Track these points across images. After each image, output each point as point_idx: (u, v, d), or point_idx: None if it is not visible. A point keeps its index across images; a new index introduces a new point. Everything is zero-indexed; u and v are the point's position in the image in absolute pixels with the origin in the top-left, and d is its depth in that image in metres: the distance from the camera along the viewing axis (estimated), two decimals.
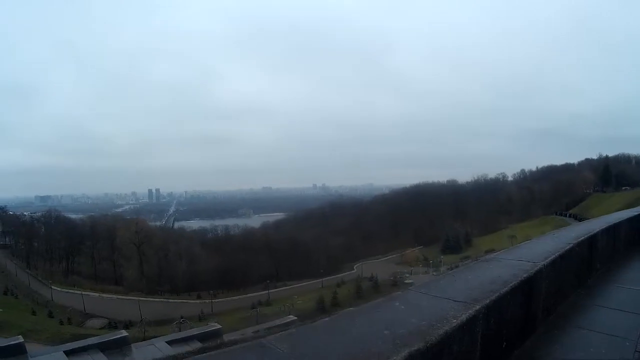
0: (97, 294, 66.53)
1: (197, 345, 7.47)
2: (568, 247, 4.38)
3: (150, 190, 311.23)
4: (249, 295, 67.48)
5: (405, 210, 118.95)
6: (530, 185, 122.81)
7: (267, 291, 68.01)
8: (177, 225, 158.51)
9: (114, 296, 67.66)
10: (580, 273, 4.82)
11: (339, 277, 76.45)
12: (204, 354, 2.58)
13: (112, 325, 51.39)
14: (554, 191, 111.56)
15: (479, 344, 2.53)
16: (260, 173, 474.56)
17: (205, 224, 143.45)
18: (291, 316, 11.59)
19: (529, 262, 3.61)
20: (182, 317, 47.10)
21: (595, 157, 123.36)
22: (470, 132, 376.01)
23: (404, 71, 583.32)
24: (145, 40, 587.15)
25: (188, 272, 77.47)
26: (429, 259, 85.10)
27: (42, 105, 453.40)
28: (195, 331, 8.35)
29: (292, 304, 53.49)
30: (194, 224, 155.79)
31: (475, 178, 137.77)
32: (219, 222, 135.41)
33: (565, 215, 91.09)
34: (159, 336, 8.76)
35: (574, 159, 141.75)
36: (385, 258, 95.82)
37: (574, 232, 5.36)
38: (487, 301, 2.62)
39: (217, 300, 64.86)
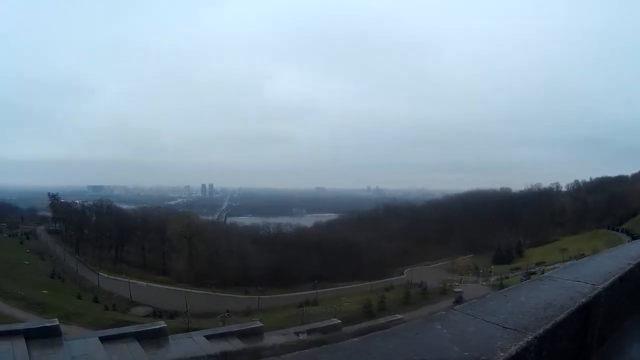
0: (144, 283, 68.33)
1: (235, 341, 7.10)
2: (628, 267, 3.83)
3: (203, 185, 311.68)
4: (297, 293, 67.16)
5: (457, 216, 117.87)
6: (584, 197, 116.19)
7: (315, 291, 68.10)
8: (229, 220, 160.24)
9: (161, 286, 69.17)
10: (636, 297, 4.20)
11: (388, 282, 75.23)
12: None
13: (157, 314, 53.04)
14: (606, 203, 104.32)
15: None
16: (315, 173, 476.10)
17: (258, 220, 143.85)
18: (335, 319, 10.98)
19: (586, 283, 3.17)
20: (227, 311, 48.27)
21: None
22: (520, 138, 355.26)
23: (452, 73, 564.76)
24: (194, 40, 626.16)
25: (237, 267, 77.72)
26: (479, 268, 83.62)
27: (102, 100, 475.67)
28: (234, 327, 7.99)
29: (338, 306, 52.74)
30: (246, 220, 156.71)
31: (529, 187, 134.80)
32: (272, 220, 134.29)
33: (617, 230, 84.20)
34: (201, 329, 8.54)
35: (628, 170, 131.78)
36: (436, 264, 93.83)
37: (632, 251, 4.76)
38: (541, 330, 2.20)
39: (264, 296, 65.21)
